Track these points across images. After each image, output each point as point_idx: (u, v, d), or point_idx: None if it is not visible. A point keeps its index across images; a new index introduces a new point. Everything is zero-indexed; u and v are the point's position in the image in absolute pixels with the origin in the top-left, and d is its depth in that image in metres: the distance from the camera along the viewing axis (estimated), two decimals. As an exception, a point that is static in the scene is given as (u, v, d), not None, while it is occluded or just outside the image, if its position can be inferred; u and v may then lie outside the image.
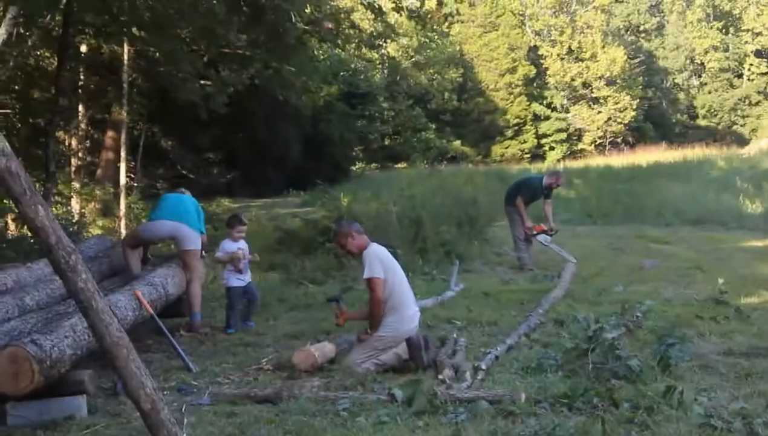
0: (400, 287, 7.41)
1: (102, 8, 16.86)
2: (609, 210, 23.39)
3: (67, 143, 24.21)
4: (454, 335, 8.06)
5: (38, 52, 21.66)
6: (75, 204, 20.94)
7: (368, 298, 7.47)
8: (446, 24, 55.96)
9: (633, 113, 55.26)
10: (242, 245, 9.71)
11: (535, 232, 14.26)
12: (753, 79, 60.88)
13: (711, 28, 62.36)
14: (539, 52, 57.75)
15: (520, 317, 9.31)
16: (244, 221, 10.04)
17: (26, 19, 16.95)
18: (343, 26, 22.48)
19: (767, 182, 26.47)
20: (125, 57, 19.93)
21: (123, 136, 20.66)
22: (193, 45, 20.14)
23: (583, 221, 22.48)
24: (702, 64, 63.34)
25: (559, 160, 49.28)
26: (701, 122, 61.69)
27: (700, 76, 64.30)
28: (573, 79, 55.57)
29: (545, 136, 55.52)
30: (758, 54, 60.25)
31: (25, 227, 9.03)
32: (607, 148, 54.47)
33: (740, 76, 62.33)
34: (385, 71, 52.93)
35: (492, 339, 8.19)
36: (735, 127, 60.10)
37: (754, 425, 5.06)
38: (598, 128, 55.20)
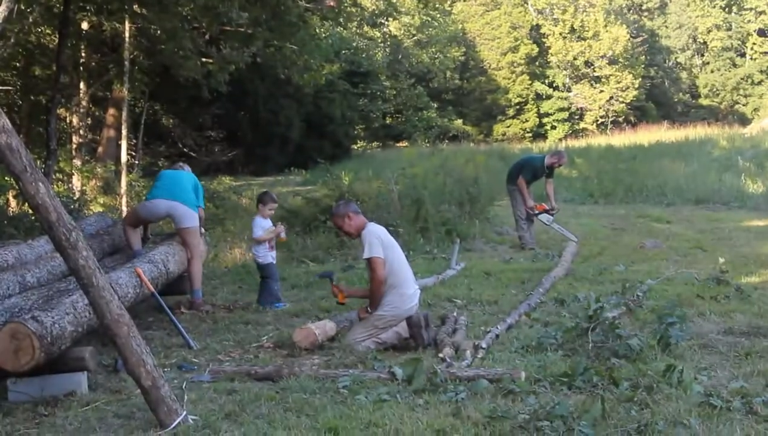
0: (400, 265, 7.38)
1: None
2: (610, 189, 23.42)
3: (68, 121, 24.20)
4: (455, 314, 8.06)
5: (39, 30, 21.60)
6: (76, 181, 20.95)
7: (369, 277, 7.46)
8: (448, 2, 55.77)
9: (635, 92, 55.10)
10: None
11: (536, 211, 14.26)
12: (755, 59, 60.68)
13: (714, 6, 62.13)
14: (541, 31, 57.52)
15: (520, 296, 9.33)
16: (276, 198, 10.02)
17: (27, -4, 16.89)
18: (345, 4, 22.40)
19: (769, 162, 26.45)
20: (126, 34, 19.86)
21: (124, 114, 20.62)
22: (194, 23, 20.06)
23: (585, 201, 22.52)
24: (704, 43, 63.12)
25: (560, 140, 49.18)
26: (703, 102, 61.54)
27: (702, 55, 64.10)
28: (575, 58, 55.38)
29: (547, 115, 55.40)
30: (761, 33, 59.98)
31: (26, 204, 9.03)
32: (608, 127, 54.31)
33: (743, 55, 62.11)
34: (387, 50, 52.74)
35: (492, 318, 8.20)
36: (737, 106, 59.95)
37: (753, 404, 5.05)
38: (600, 107, 55.06)
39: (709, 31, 61.84)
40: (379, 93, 46.75)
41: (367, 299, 7.53)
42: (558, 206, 14.92)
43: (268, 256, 9.56)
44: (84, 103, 23.51)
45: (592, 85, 55.91)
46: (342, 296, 7.82)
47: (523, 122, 55.19)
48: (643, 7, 67.43)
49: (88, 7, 19.58)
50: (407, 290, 7.34)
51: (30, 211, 8.79)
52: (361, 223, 7.52)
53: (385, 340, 7.16)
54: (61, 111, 22.78)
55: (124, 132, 20.35)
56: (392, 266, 7.28)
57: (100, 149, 24.23)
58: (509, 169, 15.20)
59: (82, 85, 23.12)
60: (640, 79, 56.09)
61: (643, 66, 57.34)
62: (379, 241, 7.27)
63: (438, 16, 53.76)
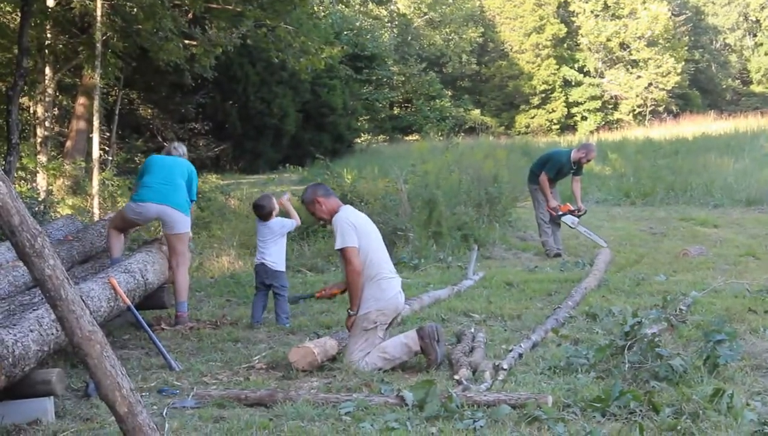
0: (376, 253, 7.41)
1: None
2: (649, 189, 23.37)
3: (32, 111, 24.21)
4: (472, 330, 8.05)
5: (-2, 7, 21.66)
6: (41, 180, 20.95)
7: (343, 270, 7.44)
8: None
9: (677, 78, 55.06)
10: None
11: (560, 212, 14.25)
12: (816, 39, 60.63)
13: (768, -21, 62.10)
14: (570, 9, 57.55)
15: (546, 310, 9.33)
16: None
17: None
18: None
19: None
20: (98, 12, 19.85)
21: (96, 104, 20.62)
22: (175, -1, 20.09)
23: (620, 202, 22.48)
24: (757, 21, 63.01)
25: (592, 132, 49.19)
26: (756, 88, 61.41)
27: (755, 36, 63.99)
28: (609, 40, 55.37)
29: (577, 104, 55.40)
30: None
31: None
32: (647, 118, 54.34)
33: (802, 35, 62.06)
34: (395, 30, 52.81)
35: (515, 335, 8.21)
36: (795, 93, 59.88)
37: (813, 434, 5.05)
38: (637, 95, 55.04)
39: (762, 8, 61.68)
40: (385, 79, 46.84)
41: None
42: (584, 207, 14.89)
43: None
44: (50, 90, 23.54)
45: (628, 70, 55.89)
46: (329, 292, 7.91)
47: (550, 112, 55.18)
48: (687, -19, 67.47)
49: (54, -18, 19.62)
50: (384, 279, 7.37)
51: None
52: (334, 206, 7.58)
53: (394, 354, 7.13)
54: (24, 100, 22.79)
55: (95, 124, 20.35)
56: (367, 255, 7.30)
57: (68, 144, 24.26)
58: (531, 165, 15.20)
59: (47, 70, 23.14)
60: (683, 63, 56.04)
61: (686, 48, 57.32)
62: (352, 227, 7.30)
63: (452, -9, 53.92)
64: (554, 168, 14.42)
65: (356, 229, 7.31)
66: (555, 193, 14.53)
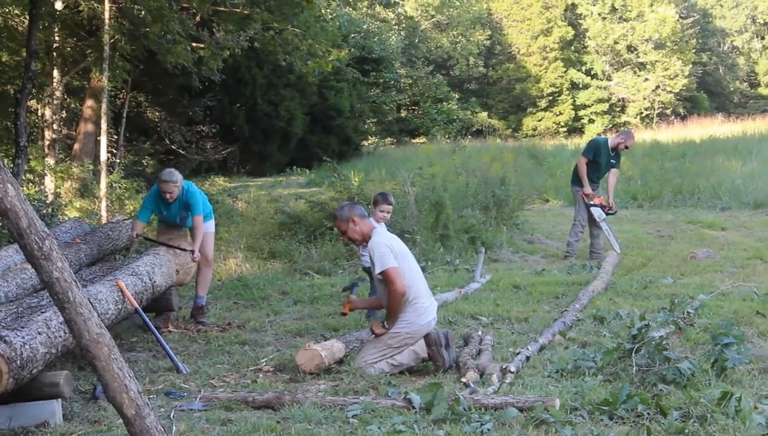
0: (413, 276, 7.38)
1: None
2: (656, 192, 23.33)
3: (40, 114, 24.23)
4: (479, 333, 8.05)
5: (6, 10, 21.66)
6: (49, 183, 20.97)
7: (386, 292, 7.38)
8: (471, -22, 55.84)
9: (685, 81, 55.00)
10: None
11: (592, 202, 14.05)
12: (823, 42, 60.55)
13: (776, -18, 62.03)
14: (577, 11, 57.53)
15: (554, 313, 9.32)
16: (391, 199, 9.76)
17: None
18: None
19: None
20: (106, 15, 19.87)
21: (104, 106, 20.62)
22: (183, 2, 20.09)
23: (627, 204, 22.42)
24: (765, 23, 62.89)
25: (599, 135, 49.11)
26: (763, 91, 61.34)
27: (762, 38, 63.88)
28: (616, 42, 55.34)
29: (584, 107, 55.36)
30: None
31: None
32: (654, 120, 54.27)
33: (809, 38, 62.01)
34: (402, 33, 52.79)
35: (522, 338, 8.20)
36: (802, 96, 59.79)
37: (822, 437, 5.04)
38: (644, 98, 54.99)
39: (770, 11, 61.67)
40: (392, 82, 46.79)
41: (372, 309, 7.52)
42: (615, 207, 14.70)
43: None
44: (58, 93, 23.55)
45: (635, 72, 55.86)
46: (347, 307, 7.76)
47: (557, 115, 55.15)
48: (694, -16, 67.41)
49: (62, -15, 19.63)
50: (422, 303, 7.34)
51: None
52: (368, 229, 7.53)
53: (401, 362, 7.15)
54: (32, 103, 22.80)
55: (103, 126, 20.35)
56: (405, 276, 7.26)
57: (76, 146, 24.27)
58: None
59: (55, 73, 23.16)
60: (691, 65, 55.99)
61: (694, 51, 57.25)
62: (389, 250, 7.26)
63: (460, -6, 53.92)
64: (591, 150, 14.29)
65: (392, 250, 7.29)
66: (597, 192, 14.37)
